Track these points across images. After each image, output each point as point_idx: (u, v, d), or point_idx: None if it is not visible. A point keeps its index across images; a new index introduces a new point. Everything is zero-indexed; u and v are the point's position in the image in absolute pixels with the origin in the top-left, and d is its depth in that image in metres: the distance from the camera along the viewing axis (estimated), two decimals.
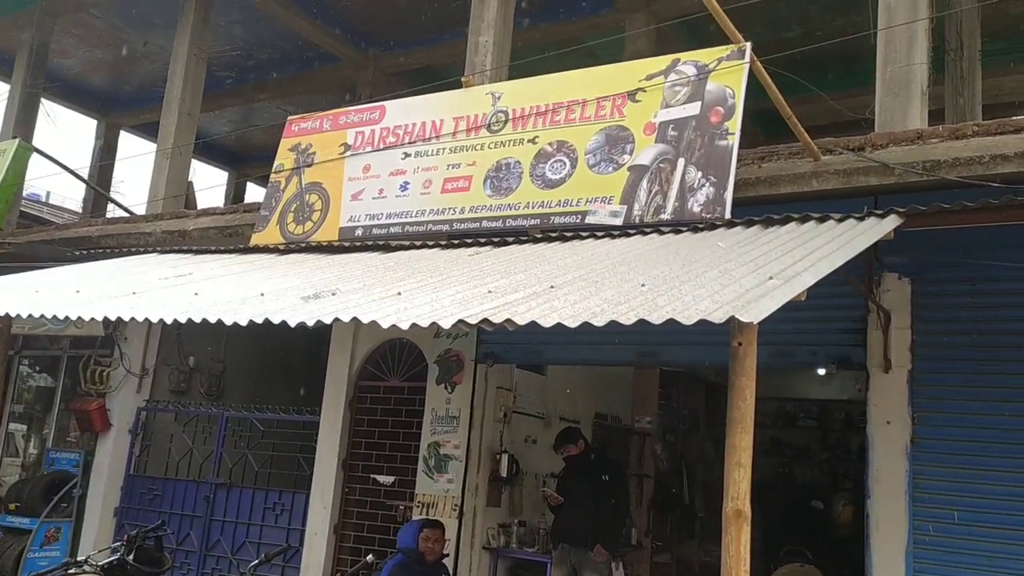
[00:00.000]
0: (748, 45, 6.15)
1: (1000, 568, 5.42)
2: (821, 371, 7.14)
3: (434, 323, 3.94)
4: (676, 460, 10.73)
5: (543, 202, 6.74)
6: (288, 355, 10.45)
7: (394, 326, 4.05)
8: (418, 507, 7.74)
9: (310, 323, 4.33)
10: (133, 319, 4.91)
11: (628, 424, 10.20)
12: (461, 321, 3.85)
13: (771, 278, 3.87)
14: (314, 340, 8.62)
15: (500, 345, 7.89)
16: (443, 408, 7.91)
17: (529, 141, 7.05)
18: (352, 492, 8.34)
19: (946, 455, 5.71)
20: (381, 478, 8.17)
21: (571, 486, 7.66)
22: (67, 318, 5.12)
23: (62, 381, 10.36)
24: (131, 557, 6.05)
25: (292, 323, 4.36)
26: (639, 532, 9.36)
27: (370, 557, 5.97)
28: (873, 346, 6.10)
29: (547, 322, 3.67)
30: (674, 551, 10.46)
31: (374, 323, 4.13)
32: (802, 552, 8.35)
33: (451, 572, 7.23)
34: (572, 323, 3.60)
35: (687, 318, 3.42)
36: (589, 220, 6.44)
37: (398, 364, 8.50)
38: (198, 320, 4.75)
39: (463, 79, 7.86)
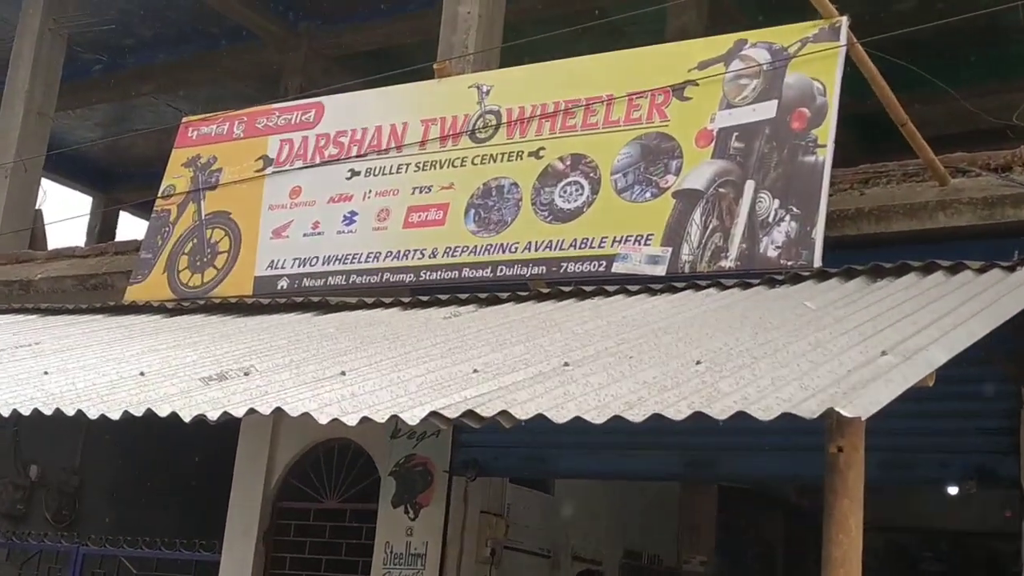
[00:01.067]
0: (845, 20, 6.27)
1: None
2: (953, 490, 7.12)
3: (395, 417, 3.92)
4: None
5: (551, 242, 6.78)
6: (175, 464, 10.35)
7: (336, 421, 4.02)
8: None
9: (212, 417, 4.30)
10: None
11: (673, 566, 10.21)
12: (434, 415, 3.83)
13: (884, 354, 3.87)
14: (214, 442, 8.36)
15: (486, 449, 7.85)
16: (402, 542, 7.83)
17: (531, 154, 7.12)
18: None
19: None
20: None
21: None
22: None
23: None
24: None
25: (186, 417, 4.33)
26: None
27: None
28: None
29: (560, 416, 3.64)
30: None
31: (306, 418, 4.10)
32: None
33: None
34: (597, 417, 3.59)
35: (764, 411, 3.40)
36: (618, 268, 6.47)
37: (337, 477, 8.45)
38: (48, 412, 4.72)
39: (436, 66, 7.98)
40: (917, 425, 6.32)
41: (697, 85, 6.72)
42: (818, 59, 6.36)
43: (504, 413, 3.72)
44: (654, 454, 7.33)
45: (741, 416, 3.45)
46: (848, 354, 3.98)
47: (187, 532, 8.99)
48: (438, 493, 7.84)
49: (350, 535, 8.21)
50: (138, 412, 4.46)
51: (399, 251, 7.26)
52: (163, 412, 4.41)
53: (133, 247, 9.00)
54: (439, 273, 7.05)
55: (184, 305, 7.78)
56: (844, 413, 3.30)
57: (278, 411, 4.22)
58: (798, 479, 8.43)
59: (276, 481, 8.59)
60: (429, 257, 7.13)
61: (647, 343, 4.69)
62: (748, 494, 10.79)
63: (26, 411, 4.77)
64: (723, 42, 6.81)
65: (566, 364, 4.38)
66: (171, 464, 10.44)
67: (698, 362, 4.12)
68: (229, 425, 7.73)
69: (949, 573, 12.04)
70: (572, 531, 9.18)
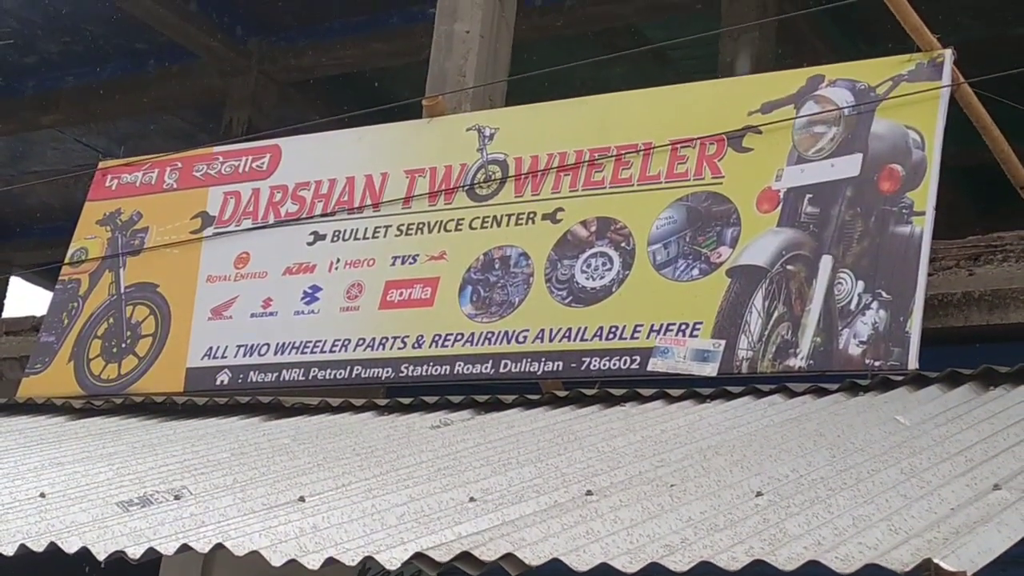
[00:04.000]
0: (949, 55, 6.39)
1: None
2: None
3: (367, 559, 3.97)
4: None
5: (570, 330, 6.86)
6: None
7: (293, 564, 4.07)
8: None
9: (134, 555, 4.34)
10: None
11: None
12: (420, 558, 3.87)
13: (997, 487, 3.91)
14: None
15: None
16: None
17: (546, 217, 7.21)
18: None
19: None
20: None
21: None
22: None
23: None
24: None
25: (100, 554, 4.35)
26: None
27: None
28: None
29: (581, 562, 3.67)
30: None
31: (254, 558, 4.15)
32: None
33: None
34: (629, 565, 3.62)
35: (843, 562, 3.45)
36: (656, 366, 6.54)
37: None
38: None
39: (425, 102, 8.09)
40: None
41: (760, 133, 6.82)
42: (914, 102, 6.46)
43: (510, 557, 3.74)
44: None
45: (814, 566, 3.49)
46: (951, 487, 4.03)
47: None
48: None
49: None
50: (38, 547, 4.49)
51: (374, 339, 7.33)
52: (71, 547, 4.43)
53: (29, 326, 9.07)
54: (425, 367, 7.12)
55: (96, 405, 7.81)
56: (945, 567, 3.32)
57: (218, 548, 4.25)
58: None
59: None
60: (413, 347, 7.20)
61: (693, 467, 4.74)
62: None
63: None
64: (793, 78, 6.92)
65: (589, 493, 4.42)
66: None
67: (759, 493, 4.16)
68: (146, 566, 7.98)
69: None
70: None
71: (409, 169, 7.72)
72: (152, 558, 4.40)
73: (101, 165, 9.03)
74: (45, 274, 12.83)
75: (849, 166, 6.52)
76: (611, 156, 7.17)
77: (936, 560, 3.33)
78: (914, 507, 3.86)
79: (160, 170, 8.66)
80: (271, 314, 7.74)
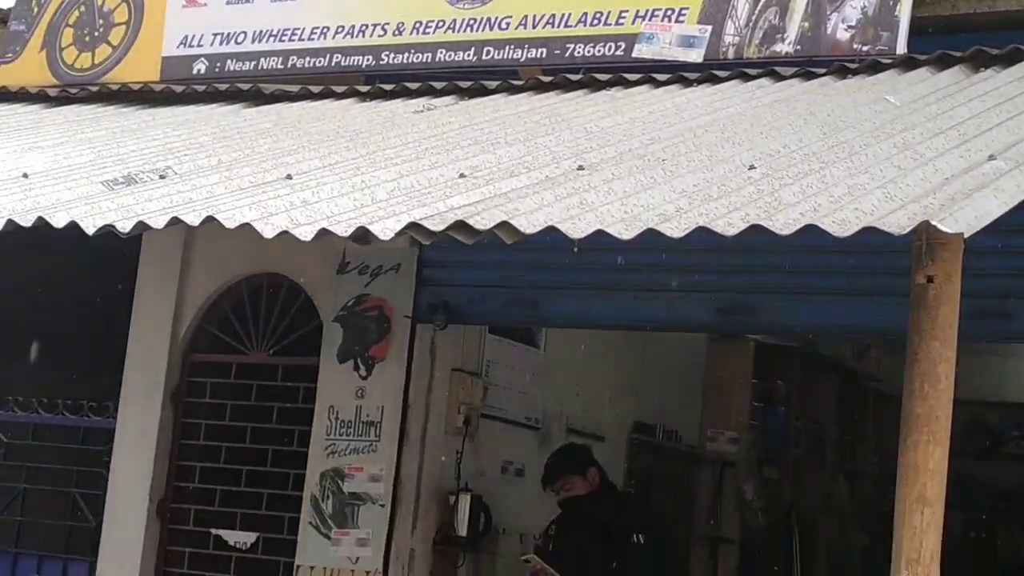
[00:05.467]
0: None
1: None
2: None
3: (362, 230, 4.01)
4: (782, 513, 10.90)
5: (554, 17, 6.78)
6: (55, 307, 10.43)
7: (285, 237, 4.09)
8: None
9: (123, 229, 4.42)
10: None
11: (694, 445, 10.48)
12: (415, 227, 3.91)
13: (992, 158, 3.96)
14: (105, 277, 8.86)
15: (460, 290, 8.01)
16: (351, 406, 8.03)
17: None
18: (177, 560, 8.50)
19: None
20: (232, 535, 8.36)
21: (574, 553, 7.88)
22: None
23: None
24: None
25: (89, 228, 4.45)
26: None
27: None
28: None
29: (577, 229, 3.72)
30: None
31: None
32: None
33: None
34: (625, 232, 3.66)
35: (839, 225, 3.49)
36: (641, 52, 6.50)
37: (266, 323, 8.58)
38: None
39: None
40: (1007, 264, 6.49)
41: None
42: None
43: (505, 225, 3.79)
44: (676, 297, 7.40)
45: (810, 232, 3.54)
46: (945, 159, 4.08)
47: (72, 392, 9.21)
48: (397, 345, 7.94)
49: (283, 397, 8.35)
50: (26, 221, 4.55)
51: (353, 26, 7.26)
52: (59, 221, 4.52)
53: None
54: (406, 55, 7.08)
55: (72, 93, 7.79)
56: (943, 228, 3.38)
57: (209, 221, 4.28)
58: (861, 332, 8.57)
59: (187, 328, 8.63)
60: (393, 34, 7.14)
61: (684, 144, 4.78)
62: (792, 354, 10.92)
63: None
64: None
65: (580, 168, 4.47)
66: (50, 307, 10.49)
67: (751, 167, 4.21)
68: (125, 253, 8.03)
69: None
70: (567, 397, 9.32)
71: None
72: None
73: None
74: None
75: None
76: None
77: (934, 222, 3.39)
78: (909, 176, 3.91)
79: None
80: (247, 1, 7.62)
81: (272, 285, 8.45)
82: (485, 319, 8.16)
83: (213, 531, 8.34)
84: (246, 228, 4.19)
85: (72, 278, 9.58)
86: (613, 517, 7.70)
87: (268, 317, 8.51)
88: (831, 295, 7.09)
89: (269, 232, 4.15)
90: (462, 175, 4.55)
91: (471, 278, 7.87)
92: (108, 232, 4.66)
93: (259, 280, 8.46)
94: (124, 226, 4.42)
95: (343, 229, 4.07)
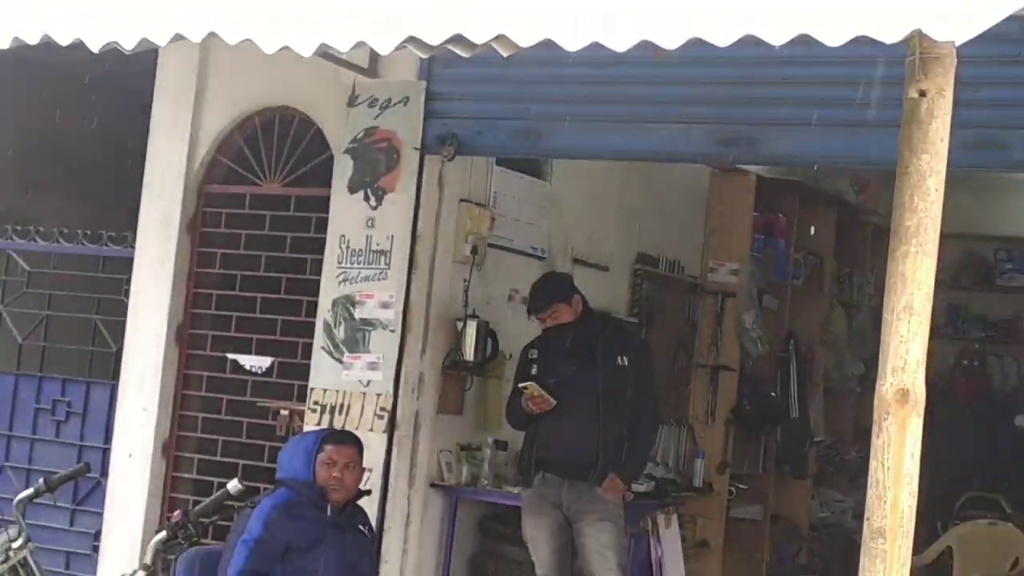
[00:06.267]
0: None
1: None
2: None
3: (361, 44, 4.18)
4: (780, 341, 11.62)
5: None
6: (71, 140, 10.92)
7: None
8: (314, 411, 8.37)
9: (127, 47, 4.61)
10: None
11: (696, 276, 11.06)
12: (412, 40, 4.08)
13: None
14: (127, 107, 9.41)
15: (468, 121, 8.35)
16: (361, 236, 8.41)
17: None
18: (195, 384, 9.04)
19: None
20: (248, 360, 8.86)
21: (562, 379, 8.21)
22: None
23: None
24: None
25: (94, 46, 4.64)
26: (708, 465, 10.37)
27: (234, 484, 6.62)
28: None
29: (574, 43, 3.88)
30: (769, 500, 11.43)
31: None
32: (994, 501, 10.09)
33: (374, 522, 7.76)
34: (619, 44, 3.79)
35: (834, 34, 3.65)
36: None
37: (278, 155, 8.94)
38: None
39: None
40: (1005, 95, 6.88)
41: None
42: None
43: (502, 38, 3.99)
44: (679, 128, 7.78)
45: (801, 42, 3.70)
46: None
47: (92, 223, 9.74)
48: (406, 176, 8.31)
49: (295, 226, 8.79)
50: (32, 39, 4.78)
51: None
52: (64, 39, 4.73)
53: None
54: None
55: None
56: (933, 36, 3.53)
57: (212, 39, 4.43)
58: (860, 163, 8.85)
59: (202, 160, 9.06)
60: None
61: None
62: (793, 188, 11.58)
63: None
64: None
65: None
66: (65, 140, 10.90)
67: None
68: (139, 91, 8.63)
69: None
70: (572, 228, 9.76)
71: None
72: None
73: None
74: None
75: None
76: None
77: (925, 30, 3.56)
78: None
79: None
80: None
81: (284, 118, 8.95)
82: (492, 151, 8.63)
83: (230, 356, 8.96)
84: (250, 47, 4.37)
85: (93, 110, 10.41)
86: (598, 342, 8.23)
87: (280, 149, 8.99)
88: (831, 126, 7.53)
89: (271, 47, 4.30)
90: None
91: (478, 110, 8.37)
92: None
93: (271, 113, 8.96)
94: (126, 43, 4.62)
95: (344, 44, 4.28)
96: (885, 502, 3.95)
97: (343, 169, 8.49)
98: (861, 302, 12.78)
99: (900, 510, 3.95)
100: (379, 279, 8.39)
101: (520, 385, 8.22)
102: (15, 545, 6.61)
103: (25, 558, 6.67)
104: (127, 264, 9.18)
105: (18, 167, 11.20)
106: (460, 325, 8.53)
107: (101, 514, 9.09)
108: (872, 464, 3.98)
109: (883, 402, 3.94)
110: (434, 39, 4.05)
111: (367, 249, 8.44)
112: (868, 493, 4.00)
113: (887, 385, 3.91)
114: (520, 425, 8.39)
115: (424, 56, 4.44)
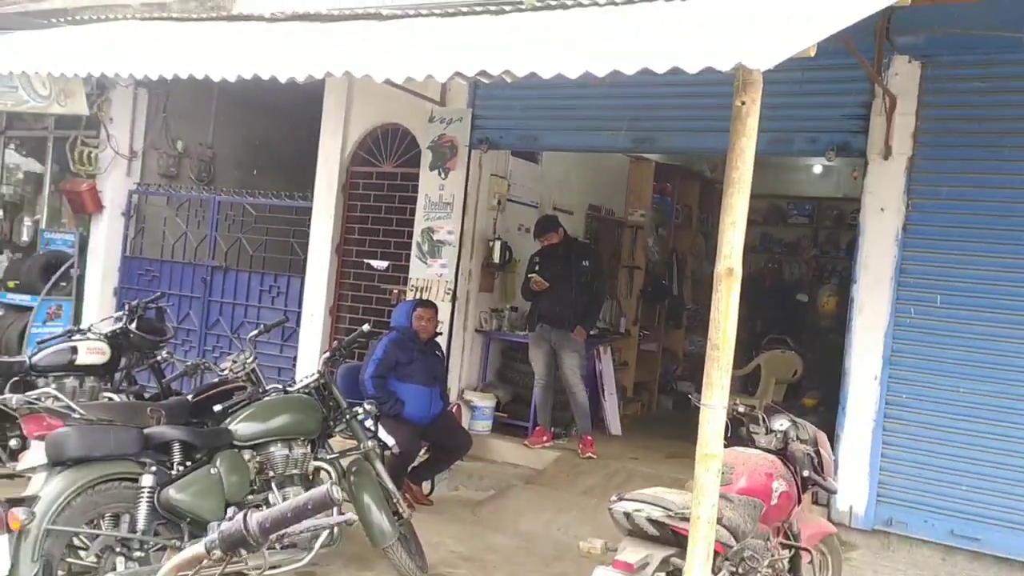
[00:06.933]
0: None
1: (976, 349, 8.84)
2: (820, 160, 10.89)
3: (429, 77, 6.10)
4: (667, 253, 16.47)
5: None
6: (277, 142, 15.51)
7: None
8: (412, 291, 12.10)
9: (299, 79, 6.67)
10: (118, 77, 7.67)
11: (621, 217, 15.30)
12: (457, 74, 5.87)
13: (788, 19, 5.34)
14: (303, 126, 13.65)
15: (495, 130, 11.91)
16: (436, 194, 12.17)
17: None
18: (346, 276, 13.03)
19: (936, 241, 8.92)
20: (375, 263, 12.78)
21: (552, 272, 11.64)
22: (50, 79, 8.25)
23: (50, 163, 16.19)
24: (133, 325, 9.68)
25: (282, 78, 6.74)
26: (628, 321, 14.92)
27: (366, 326, 8.51)
28: (875, 132, 9.19)
29: (548, 71, 5.52)
30: (661, 340, 16.53)
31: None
32: (783, 340, 14.20)
33: (444, 350, 11.19)
34: (572, 72, 5.41)
35: (693, 64, 4.95)
36: None
37: (390, 150, 12.85)
38: (184, 76, 7.27)
39: None
40: (795, 112, 9.38)
41: None
42: None
43: (507, 72, 5.74)
44: (610, 132, 10.91)
45: (676, 72, 5.12)
46: (758, 20, 5.67)
47: (289, 188, 13.96)
48: (461, 161, 12.10)
49: (401, 190, 12.60)
50: (247, 74, 7.00)
51: None
52: (266, 74, 6.90)
53: None
54: None
55: (278, 16, 10.13)
56: (748, 66, 4.79)
57: (348, 75, 6.69)
58: (713, 152, 12.74)
59: (349, 151, 13.16)
60: None
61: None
62: (676, 169, 16.42)
63: (169, 76, 7.43)
64: None
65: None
66: (273, 141, 15.72)
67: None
68: (313, 113, 13.36)
69: (809, 224, 19.07)
70: (553, 190, 14.03)
71: None
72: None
73: None
74: None
75: None
76: None
77: (743, 62, 4.91)
78: (732, 31, 5.66)
79: None
80: None
81: (393, 129, 13.01)
82: (508, 146, 12.32)
83: (365, 261, 13.13)
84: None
85: (288, 122, 15.39)
86: (572, 252, 12.07)
87: (392, 146, 13.04)
88: (698, 129, 10.43)
89: (379, 76, 6.48)
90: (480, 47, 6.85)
91: (500, 123, 12.03)
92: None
93: (386, 127, 13.09)
94: (299, 76, 6.78)
95: (420, 72, 6.18)
96: (719, 330, 5.13)
97: (426, 158, 12.25)
98: (712, 231, 16.08)
99: (727, 333, 5.11)
100: (446, 218, 12.15)
101: (529, 275, 11.97)
102: (248, 360, 8.24)
103: (254, 368, 8.29)
104: (308, 211, 13.33)
105: (249, 158, 16.19)
106: (491, 243, 12.47)
107: (296, 346, 13.19)
108: (712, 311, 5.15)
109: (718, 276, 5.10)
110: (469, 72, 5.82)
111: (440, 201, 12.15)
112: (710, 327, 5.17)
113: (721, 265, 5.09)
114: (529, 298, 12.06)
115: (464, 81, 6.11)
